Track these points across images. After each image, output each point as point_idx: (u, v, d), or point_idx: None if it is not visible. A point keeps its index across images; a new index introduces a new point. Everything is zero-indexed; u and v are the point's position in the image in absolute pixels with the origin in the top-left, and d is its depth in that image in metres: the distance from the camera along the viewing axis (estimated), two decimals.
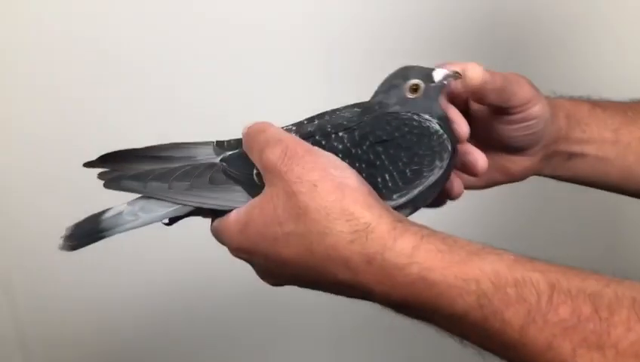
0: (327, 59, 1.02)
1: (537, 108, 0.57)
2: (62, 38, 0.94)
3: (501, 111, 0.57)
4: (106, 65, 0.96)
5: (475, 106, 0.59)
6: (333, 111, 0.57)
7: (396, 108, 0.55)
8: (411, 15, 1.02)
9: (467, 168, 0.57)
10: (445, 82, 0.55)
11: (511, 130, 0.59)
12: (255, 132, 0.53)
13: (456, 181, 0.58)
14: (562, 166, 0.64)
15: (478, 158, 0.56)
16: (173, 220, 0.57)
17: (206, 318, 1.12)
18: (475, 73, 0.54)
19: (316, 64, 1.02)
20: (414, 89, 0.54)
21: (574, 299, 0.40)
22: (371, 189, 0.50)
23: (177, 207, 0.54)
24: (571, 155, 0.64)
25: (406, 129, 0.53)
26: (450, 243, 0.45)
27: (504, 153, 0.61)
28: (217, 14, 0.96)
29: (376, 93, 0.56)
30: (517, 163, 0.62)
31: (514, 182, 0.63)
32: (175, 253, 1.03)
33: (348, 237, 0.46)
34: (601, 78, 1.05)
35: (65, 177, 0.89)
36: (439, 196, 0.57)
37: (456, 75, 0.54)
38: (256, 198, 0.51)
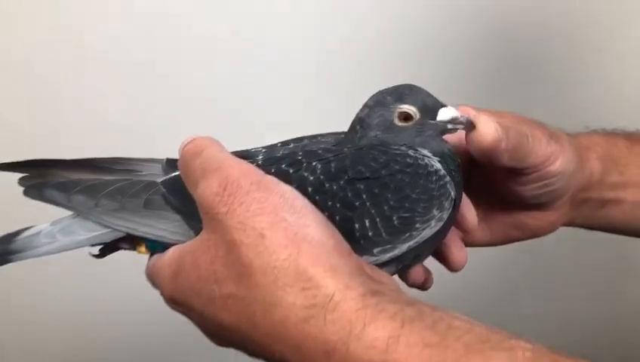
0: (327, 70, 0.95)
1: (558, 164, 0.47)
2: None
3: (513, 171, 0.47)
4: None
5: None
6: (315, 135, 0.47)
7: (376, 133, 0.43)
8: (412, 27, 0.95)
9: (456, 221, 0.47)
10: (450, 127, 0.43)
11: (525, 191, 0.49)
12: (190, 155, 0.42)
13: (458, 249, 0.48)
14: (595, 214, 0.55)
15: (467, 213, 0.47)
16: (105, 250, 0.47)
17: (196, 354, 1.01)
18: (486, 129, 0.43)
19: (313, 77, 0.95)
20: (404, 117, 0.43)
21: None
22: (339, 243, 0.38)
23: (105, 231, 0.45)
24: (605, 202, 0.55)
25: (397, 167, 0.41)
26: (442, 330, 0.34)
27: (520, 209, 0.52)
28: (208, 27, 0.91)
29: (364, 107, 0.45)
30: (538, 218, 0.52)
31: (539, 236, 0.54)
32: None
33: (301, 313, 0.35)
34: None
35: None
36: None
37: (470, 126, 0.43)
38: (190, 242, 0.41)
